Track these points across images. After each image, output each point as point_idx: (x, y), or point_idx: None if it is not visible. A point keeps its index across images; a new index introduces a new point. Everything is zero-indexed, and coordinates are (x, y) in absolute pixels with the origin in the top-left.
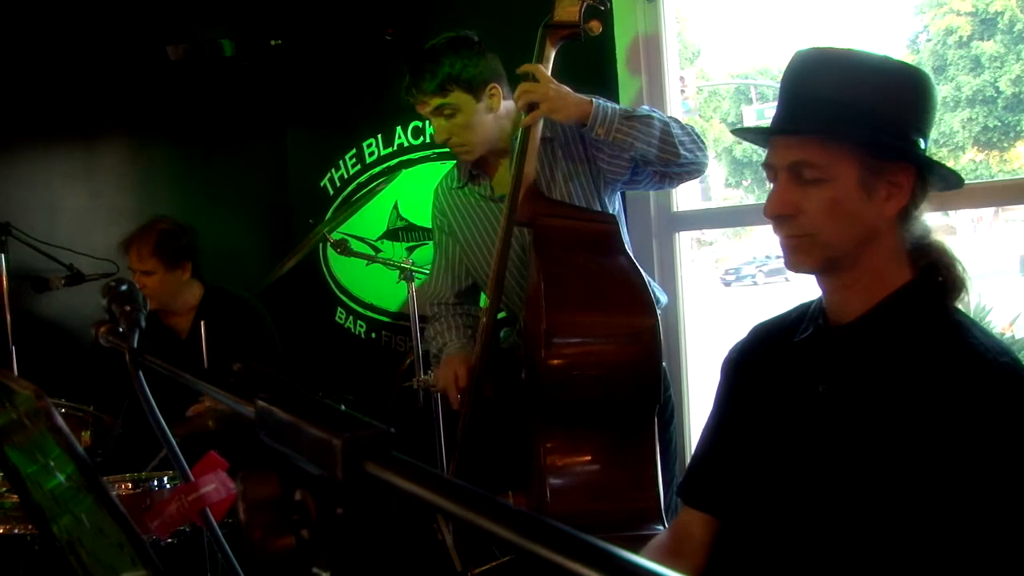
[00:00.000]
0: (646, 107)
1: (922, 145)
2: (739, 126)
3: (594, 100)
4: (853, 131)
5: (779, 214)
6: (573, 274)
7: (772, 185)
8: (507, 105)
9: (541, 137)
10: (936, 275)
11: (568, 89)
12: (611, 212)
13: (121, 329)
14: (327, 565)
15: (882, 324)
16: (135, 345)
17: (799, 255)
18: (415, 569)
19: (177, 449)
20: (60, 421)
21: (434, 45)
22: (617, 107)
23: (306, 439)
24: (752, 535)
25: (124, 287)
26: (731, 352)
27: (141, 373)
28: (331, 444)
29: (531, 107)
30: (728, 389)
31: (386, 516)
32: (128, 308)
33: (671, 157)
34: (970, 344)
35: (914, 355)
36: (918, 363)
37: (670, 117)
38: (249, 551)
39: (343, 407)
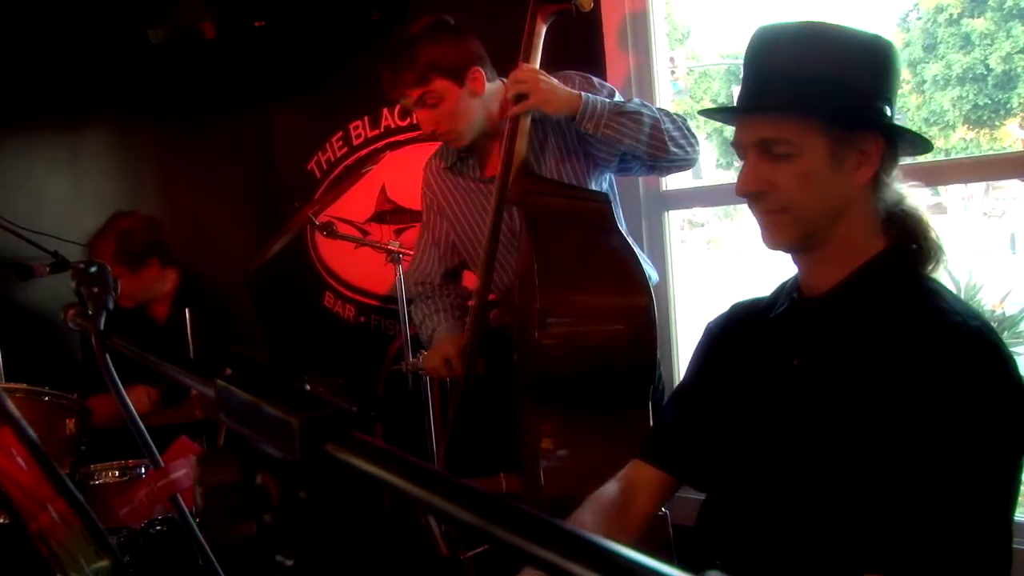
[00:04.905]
0: (637, 100)
1: (887, 112)
2: (705, 108)
3: (583, 95)
4: (819, 103)
5: (751, 191)
6: (566, 253)
7: (742, 163)
8: (491, 87)
9: (532, 119)
10: (910, 243)
11: (558, 82)
12: (603, 190)
13: (90, 312)
14: (291, 551)
15: (854, 294)
16: (102, 327)
17: (777, 231)
18: (391, 556)
19: (147, 434)
20: (11, 406)
21: (410, 34)
22: (607, 101)
23: (265, 419)
24: (724, 504)
25: (94, 268)
26: (709, 324)
27: (108, 356)
28: (289, 424)
29: (520, 98)
30: (703, 358)
31: (353, 500)
32: (96, 290)
33: (660, 153)
34: (941, 310)
35: (886, 324)
36: (890, 332)
37: (662, 111)
38: (209, 538)
39: (308, 387)
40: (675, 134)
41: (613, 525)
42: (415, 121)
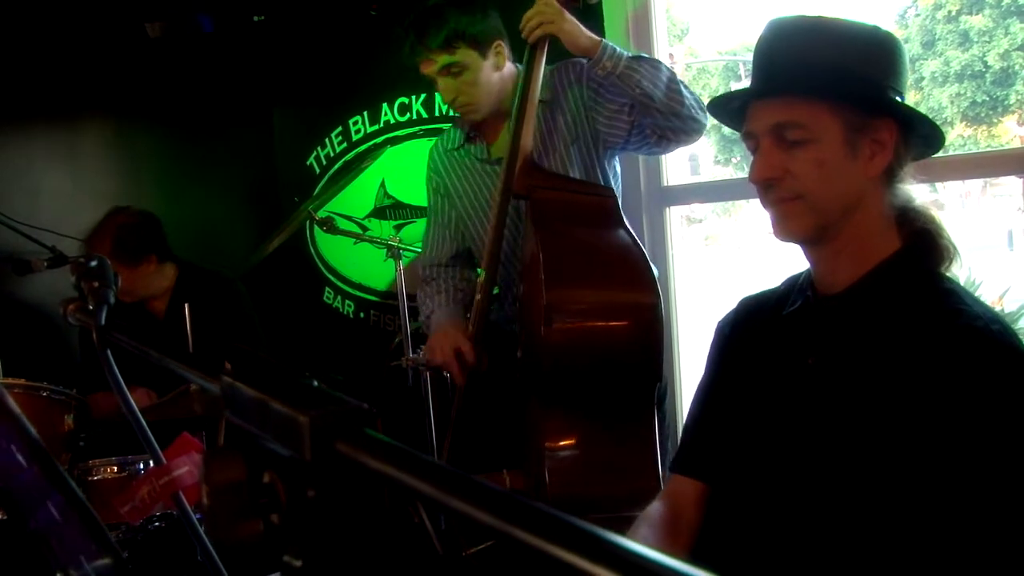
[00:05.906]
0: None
1: (900, 101)
2: (713, 97)
3: (603, 40)
4: (836, 88)
5: (766, 177)
6: (573, 248)
7: (753, 154)
8: (510, 66)
9: (540, 100)
10: (924, 242)
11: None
12: (610, 179)
13: (90, 307)
14: (299, 552)
15: (872, 294)
16: (102, 322)
17: (790, 220)
18: (396, 555)
19: (148, 431)
20: (11, 403)
21: (436, 2)
22: (625, 51)
23: (273, 417)
24: (743, 506)
25: (93, 263)
26: (720, 323)
27: (109, 351)
28: (298, 422)
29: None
30: (718, 360)
31: (363, 499)
32: (96, 285)
33: (676, 105)
34: (962, 312)
35: (905, 325)
36: (909, 333)
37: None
38: (214, 539)
39: (315, 383)
40: (687, 94)
41: (667, 542)
42: (437, 89)
